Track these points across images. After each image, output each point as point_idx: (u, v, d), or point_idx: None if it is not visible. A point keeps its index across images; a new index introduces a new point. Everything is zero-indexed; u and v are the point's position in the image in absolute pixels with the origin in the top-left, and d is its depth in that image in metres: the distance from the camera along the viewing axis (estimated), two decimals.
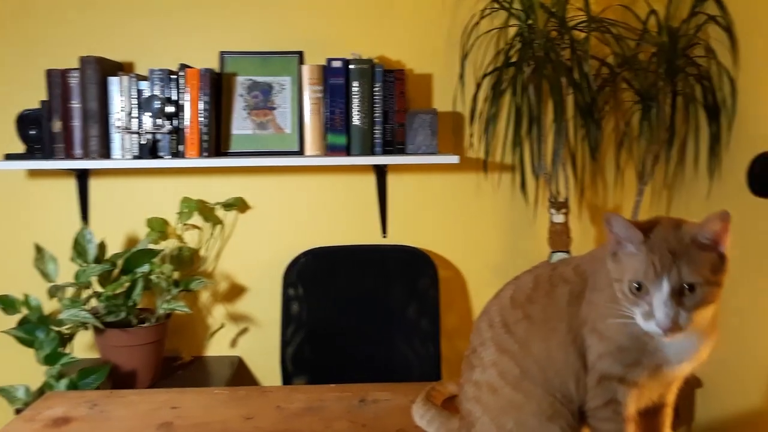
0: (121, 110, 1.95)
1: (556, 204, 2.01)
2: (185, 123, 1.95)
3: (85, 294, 1.87)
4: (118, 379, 1.84)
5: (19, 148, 2.00)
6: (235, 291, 2.21)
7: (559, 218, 2.01)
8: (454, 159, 1.97)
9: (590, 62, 1.91)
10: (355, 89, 1.97)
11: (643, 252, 0.78)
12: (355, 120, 1.98)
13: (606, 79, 2.04)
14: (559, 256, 2.01)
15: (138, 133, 1.95)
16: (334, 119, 1.98)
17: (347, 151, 2.00)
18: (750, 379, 1.80)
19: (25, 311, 1.83)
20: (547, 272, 0.94)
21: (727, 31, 1.88)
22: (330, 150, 2.00)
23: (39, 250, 1.88)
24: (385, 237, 2.21)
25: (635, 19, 2.04)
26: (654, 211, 2.24)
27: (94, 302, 1.89)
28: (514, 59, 1.97)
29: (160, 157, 1.97)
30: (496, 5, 2.03)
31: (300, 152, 2.05)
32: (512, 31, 2.02)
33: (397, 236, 2.21)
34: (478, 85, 2.07)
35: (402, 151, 2.03)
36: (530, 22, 1.95)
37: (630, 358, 0.82)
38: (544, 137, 2.00)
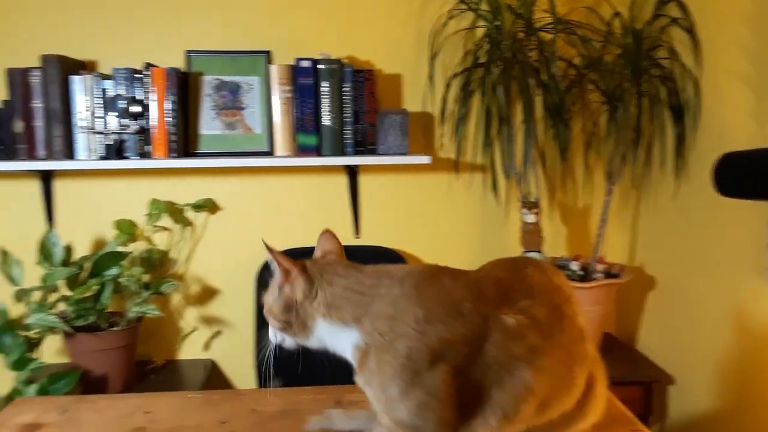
0: (85, 110, 1.92)
1: (527, 204, 2.03)
2: (152, 123, 1.93)
3: (52, 298, 1.83)
4: (88, 384, 1.81)
5: None
6: (207, 293, 2.18)
7: (530, 218, 2.03)
8: (425, 159, 1.98)
9: (557, 63, 1.94)
10: (325, 89, 1.97)
11: None
12: (326, 120, 1.98)
13: (573, 80, 2.07)
14: (532, 256, 2.03)
15: (103, 133, 1.92)
16: (304, 119, 1.98)
17: (318, 152, 1.99)
18: (720, 376, 1.84)
19: None
20: None
21: (689, 33, 1.92)
22: (301, 150, 2.00)
23: (4, 254, 1.83)
24: (357, 237, 2.21)
25: (600, 21, 2.08)
26: (623, 211, 2.28)
27: (62, 306, 1.85)
28: (482, 60, 1.99)
29: (127, 158, 1.94)
30: (463, 6, 2.04)
31: (270, 153, 2.04)
32: (480, 32, 2.04)
33: (369, 236, 2.21)
34: (448, 86, 2.09)
35: (373, 152, 2.03)
36: (497, 23, 1.97)
37: None
38: (514, 137, 2.02)
